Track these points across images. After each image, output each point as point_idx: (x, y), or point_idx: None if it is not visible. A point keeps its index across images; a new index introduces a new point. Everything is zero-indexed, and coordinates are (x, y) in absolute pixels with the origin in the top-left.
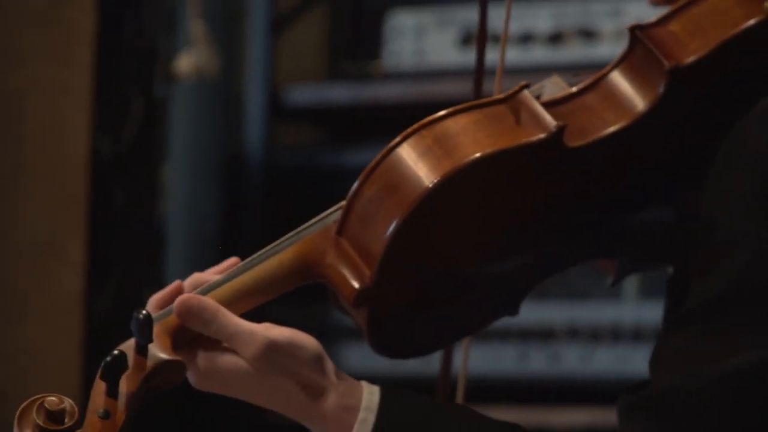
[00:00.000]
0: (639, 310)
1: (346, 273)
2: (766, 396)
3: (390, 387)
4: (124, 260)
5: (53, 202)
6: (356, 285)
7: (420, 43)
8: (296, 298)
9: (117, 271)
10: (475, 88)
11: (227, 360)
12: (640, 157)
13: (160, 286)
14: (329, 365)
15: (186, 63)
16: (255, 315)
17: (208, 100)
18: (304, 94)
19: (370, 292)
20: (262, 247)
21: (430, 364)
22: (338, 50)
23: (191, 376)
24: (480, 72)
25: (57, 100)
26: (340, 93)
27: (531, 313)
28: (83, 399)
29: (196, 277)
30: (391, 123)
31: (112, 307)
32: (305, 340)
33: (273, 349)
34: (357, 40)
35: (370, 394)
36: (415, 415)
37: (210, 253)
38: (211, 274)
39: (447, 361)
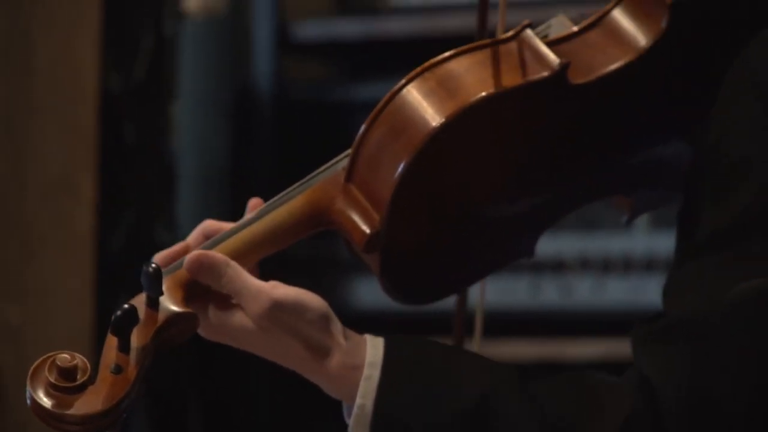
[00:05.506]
0: (650, 240)
1: (356, 218)
2: None
3: (395, 338)
4: (136, 196)
5: (64, 139)
6: (366, 230)
7: None
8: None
9: (129, 207)
10: (478, 24)
11: (235, 315)
12: (647, 92)
13: (172, 221)
14: (335, 325)
15: (194, 0)
16: (271, 257)
17: (217, 36)
18: (312, 29)
19: (380, 237)
20: (271, 181)
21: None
22: None
23: (202, 329)
24: (484, 8)
25: (67, 38)
26: (348, 27)
27: (542, 244)
28: (95, 337)
29: (208, 224)
30: (400, 58)
31: (124, 244)
32: (311, 300)
33: (277, 309)
34: None
35: (374, 348)
36: (420, 365)
37: (221, 188)
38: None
39: (462, 297)
